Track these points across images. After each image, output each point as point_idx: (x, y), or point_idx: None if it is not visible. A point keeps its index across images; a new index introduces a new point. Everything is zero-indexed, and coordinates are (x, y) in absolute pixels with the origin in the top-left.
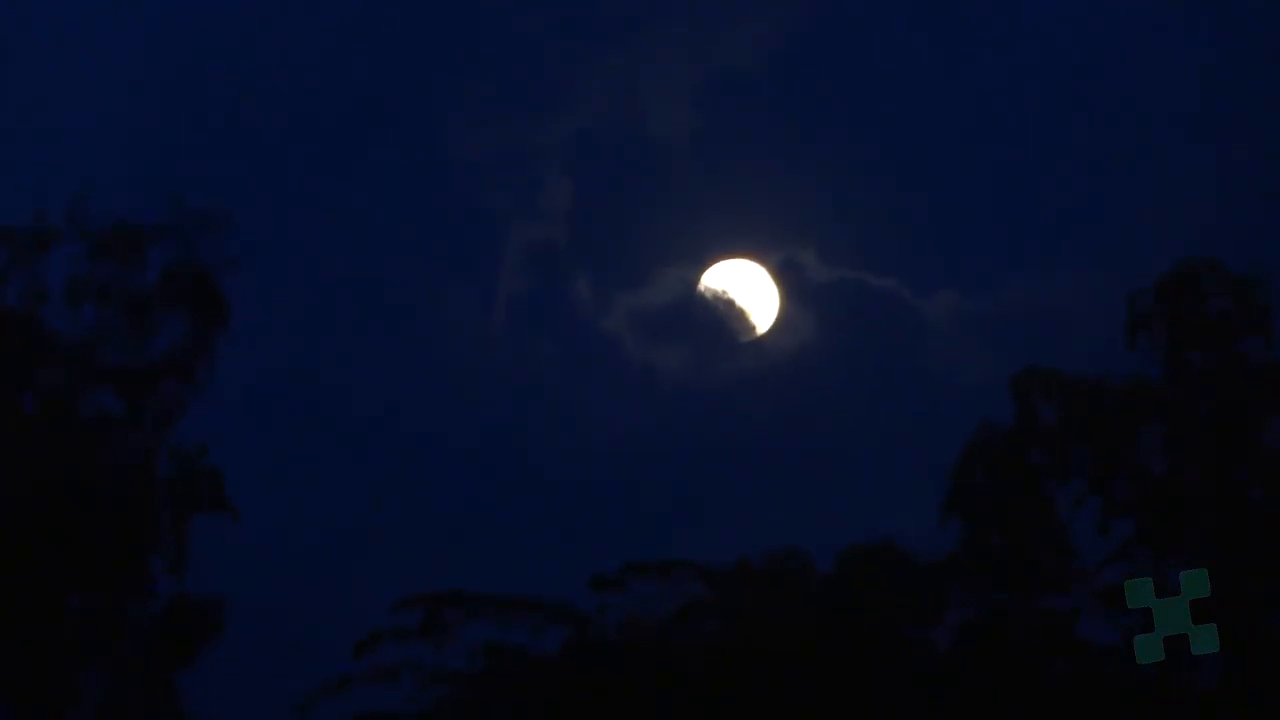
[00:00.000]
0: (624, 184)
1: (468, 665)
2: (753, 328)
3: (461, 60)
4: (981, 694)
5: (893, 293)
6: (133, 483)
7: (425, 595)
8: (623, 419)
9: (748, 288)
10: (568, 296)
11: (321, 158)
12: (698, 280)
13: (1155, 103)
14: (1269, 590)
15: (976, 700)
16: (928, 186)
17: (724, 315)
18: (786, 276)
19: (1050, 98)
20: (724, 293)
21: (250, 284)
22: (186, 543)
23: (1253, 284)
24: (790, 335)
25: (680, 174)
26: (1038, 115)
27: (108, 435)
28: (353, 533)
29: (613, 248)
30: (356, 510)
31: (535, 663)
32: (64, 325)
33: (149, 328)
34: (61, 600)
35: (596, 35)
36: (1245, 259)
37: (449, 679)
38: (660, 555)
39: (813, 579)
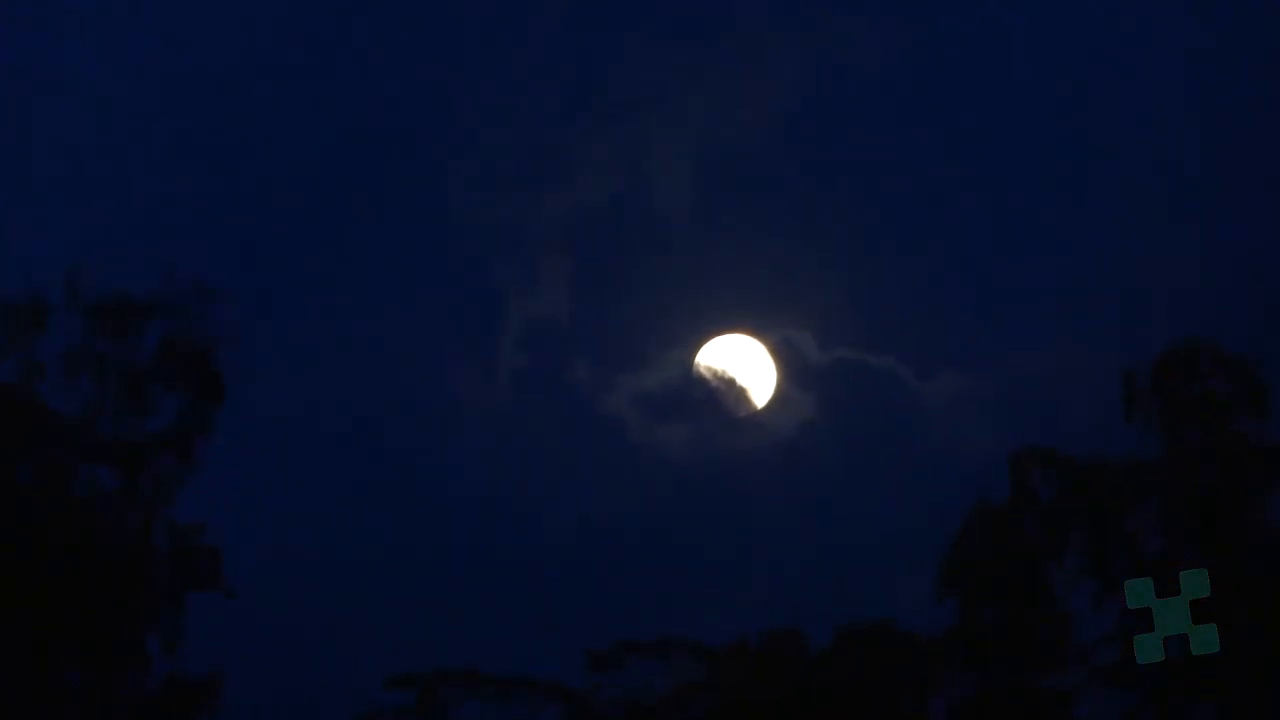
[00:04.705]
0: (624, 262)
1: None
2: (751, 405)
3: (463, 136)
4: None
5: (892, 373)
6: (129, 559)
7: (421, 673)
8: (620, 497)
9: (745, 363)
10: (568, 375)
11: (322, 233)
12: (696, 357)
13: (1152, 184)
14: (1268, 667)
15: None
16: (926, 267)
17: (723, 393)
18: (785, 355)
19: (1049, 180)
20: (723, 371)
21: (249, 358)
22: (183, 620)
23: (1249, 364)
24: (789, 414)
25: (680, 253)
26: (1036, 198)
27: (106, 510)
28: (349, 610)
29: (612, 326)
30: (353, 587)
31: None
32: (60, 400)
33: (145, 403)
34: (58, 678)
35: (597, 114)
36: (1242, 340)
37: None
38: (658, 633)
39: (810, 658)
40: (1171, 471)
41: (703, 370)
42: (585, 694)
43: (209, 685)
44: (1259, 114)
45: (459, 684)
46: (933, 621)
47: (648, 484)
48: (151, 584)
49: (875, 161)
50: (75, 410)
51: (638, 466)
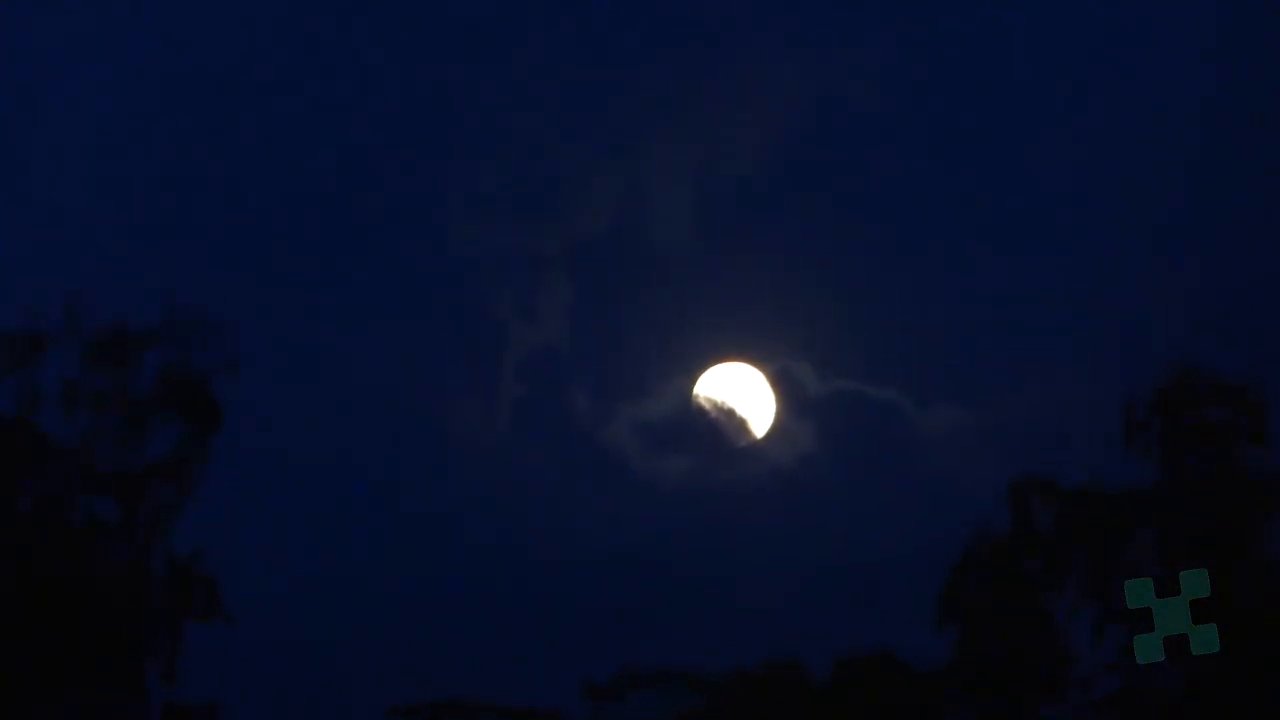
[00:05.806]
0: (624, 291)
1: None
2: (751, 435)
3: (464, 165)
4: None
5: (891, 403)
6: (127, 588)
7: (421, 704)
8: (619, 526)
9: (745, 393)
10: (567, 404)
11: (321, 261)
12: (695, 387)
13: (1151, 212)
14: (1267, 693)
15: None
16: (926, 298)
17: (722, 423)
18: (784, 386)
19: (1049, 214)
20: (722, 402)
21: (247, 386)
22: (180, 649)
23: (1249, 392)
24: (788, 444)
25: (679, 282)
26: (1035, 230)
27: (105, 539)
28: (348, 640)
29: (612, 356)
30: (352, 617)
31: None
32: (58, 429)
33: (143, 432)
34: (57, 707)
35: (596, 142)
36: (1241, 368)
37: None
38: (657, 663)
39: (809, 689)
40: (1171, 501)
41: (702, 400)
42: None
43: (207, 714)
44: (1261, 133)
45: (459, 714)
46: (932, 651)
47: (647, 513)
48: (150, 613)
49: (875, 191)
50: (74, 440)
51: (637, 496)
